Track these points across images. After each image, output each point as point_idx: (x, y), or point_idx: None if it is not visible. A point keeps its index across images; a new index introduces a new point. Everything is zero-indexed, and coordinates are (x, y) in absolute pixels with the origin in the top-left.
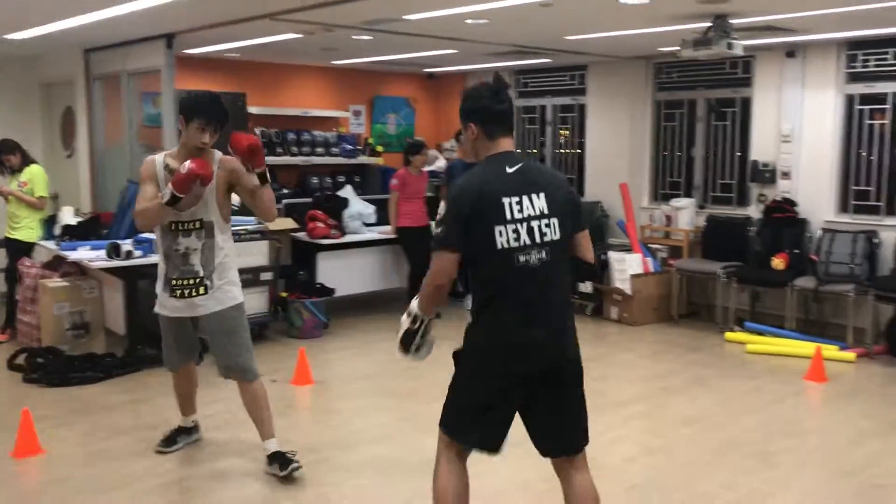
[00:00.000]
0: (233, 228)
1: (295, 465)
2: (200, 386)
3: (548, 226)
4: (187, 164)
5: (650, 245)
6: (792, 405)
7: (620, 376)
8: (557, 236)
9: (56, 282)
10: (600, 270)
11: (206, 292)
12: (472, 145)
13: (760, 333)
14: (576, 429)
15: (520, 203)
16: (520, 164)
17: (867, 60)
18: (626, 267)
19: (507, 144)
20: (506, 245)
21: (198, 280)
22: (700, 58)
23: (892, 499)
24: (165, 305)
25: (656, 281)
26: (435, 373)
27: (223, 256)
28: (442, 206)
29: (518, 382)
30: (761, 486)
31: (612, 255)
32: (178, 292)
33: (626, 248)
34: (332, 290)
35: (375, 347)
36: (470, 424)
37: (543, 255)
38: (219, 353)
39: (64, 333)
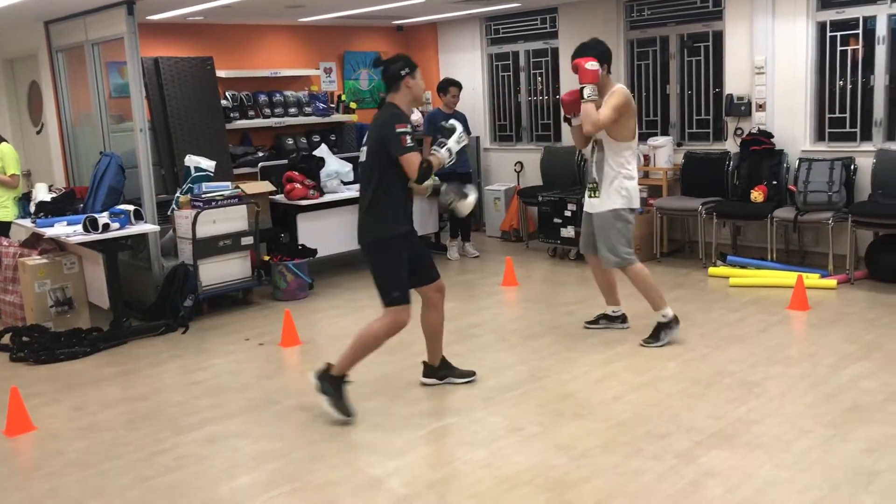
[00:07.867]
0: (210, 194)
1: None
2: (194, 353)
3: (364, 151)
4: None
5: None
6: (776, 334)
7: None
8: (363, 158)
9: (35, 259)
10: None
11: (597, 195)
12: None
13: (743, 266)
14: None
15: (369, 133)
16: (379, 110)
17: None
18: None
19: (388, 97)
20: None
21: (594, 185)
22: None
23: (874, 417)
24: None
25: (638, 221)
26: (416, 328)
27: (609, 169)
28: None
29: None
30: (747, 413)
31: None
32: (587, 194)
33: None
34: (314, 251)
35: (361, 305)
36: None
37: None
38: (598, 245)
39: (48, 310)
